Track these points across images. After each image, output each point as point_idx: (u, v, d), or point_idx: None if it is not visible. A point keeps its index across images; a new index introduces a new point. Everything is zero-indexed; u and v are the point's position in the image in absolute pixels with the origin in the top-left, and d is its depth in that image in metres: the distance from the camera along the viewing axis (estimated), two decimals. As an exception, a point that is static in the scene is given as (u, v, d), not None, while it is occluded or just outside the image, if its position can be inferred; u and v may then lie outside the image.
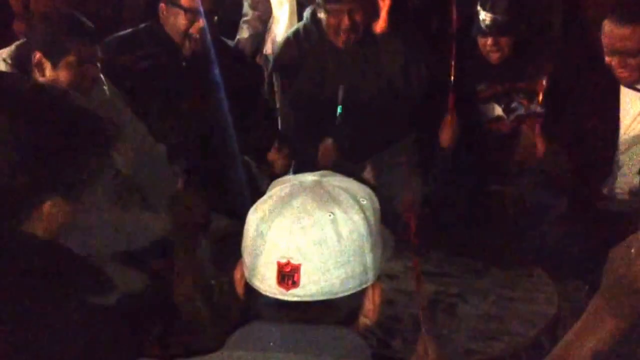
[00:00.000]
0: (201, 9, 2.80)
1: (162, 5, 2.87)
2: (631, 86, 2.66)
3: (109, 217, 2.18)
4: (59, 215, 1.43)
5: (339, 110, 3.06)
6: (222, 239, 2.54)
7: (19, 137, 1.40)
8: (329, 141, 3.11)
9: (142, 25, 2.94)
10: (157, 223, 2.29)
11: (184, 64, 2.90)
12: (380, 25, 3.00)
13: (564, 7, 3.70)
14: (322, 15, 3.01)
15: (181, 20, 2.83)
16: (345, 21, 2.94)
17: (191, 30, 2.83)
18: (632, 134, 2.70)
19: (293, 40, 3.15)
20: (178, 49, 2.87)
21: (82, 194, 1.48)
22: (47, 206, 1.42)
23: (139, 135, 2.57)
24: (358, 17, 2.96)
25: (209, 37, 2.86)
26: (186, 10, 2.81)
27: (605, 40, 2.55)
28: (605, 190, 2.75)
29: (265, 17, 3.64)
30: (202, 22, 2.81)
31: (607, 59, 2.57)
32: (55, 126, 1.44)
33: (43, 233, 1.43)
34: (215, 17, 2.92)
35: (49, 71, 2.26)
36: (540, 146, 2.97)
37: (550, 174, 3.00)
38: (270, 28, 3.63)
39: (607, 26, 2.55)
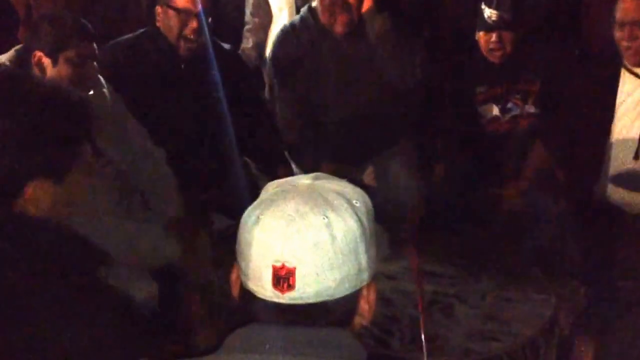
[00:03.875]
0: (195, 10, 2.81)
1: (158, 7, 2.88)
2: (632, 71, 2.73)
3: (110, 221, 2.20)
4: (45, 197, 1.45)
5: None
6: (223, 240, 2.55)
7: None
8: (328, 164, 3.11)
9: (141, 30, 2.96)
10: (157, 229, 2.31)
11: (182, 66, 2.91)
12: (366, 4, 3.12)
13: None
14: (316, 2, 3.11)
15: (175, 22, 2.83)
16: (339, 1, 3.03)
17: (185, 32, 2.82)
18: (627, 120, 2.75)
19: (290, 30, 3.20)
20: (175, 51, 2.88)
21: (65, 176, 1.50)
22: (30, 188, 1.44)
23: (139, 138, 2.58)
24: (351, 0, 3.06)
25: (205, 38, 2.87)
26: (180, 11, 2.82)
27: (618, 15, 2.68)
28: (597, 188, 2.78)
29: (266, 23, 3.67)
30: (195, 23, 2.81)
31: (617, 34, 2.69)
32: (33, 110, 1.46)
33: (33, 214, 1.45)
34: (210, 19, 2.92)
35: (49, 69, 2.28)
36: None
37: (546, 174, 3.02)
38: (271, 34, 3.65)
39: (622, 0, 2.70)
